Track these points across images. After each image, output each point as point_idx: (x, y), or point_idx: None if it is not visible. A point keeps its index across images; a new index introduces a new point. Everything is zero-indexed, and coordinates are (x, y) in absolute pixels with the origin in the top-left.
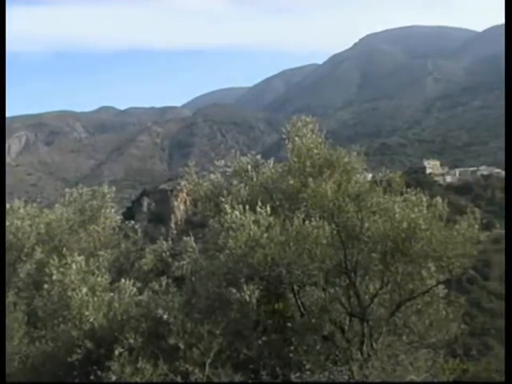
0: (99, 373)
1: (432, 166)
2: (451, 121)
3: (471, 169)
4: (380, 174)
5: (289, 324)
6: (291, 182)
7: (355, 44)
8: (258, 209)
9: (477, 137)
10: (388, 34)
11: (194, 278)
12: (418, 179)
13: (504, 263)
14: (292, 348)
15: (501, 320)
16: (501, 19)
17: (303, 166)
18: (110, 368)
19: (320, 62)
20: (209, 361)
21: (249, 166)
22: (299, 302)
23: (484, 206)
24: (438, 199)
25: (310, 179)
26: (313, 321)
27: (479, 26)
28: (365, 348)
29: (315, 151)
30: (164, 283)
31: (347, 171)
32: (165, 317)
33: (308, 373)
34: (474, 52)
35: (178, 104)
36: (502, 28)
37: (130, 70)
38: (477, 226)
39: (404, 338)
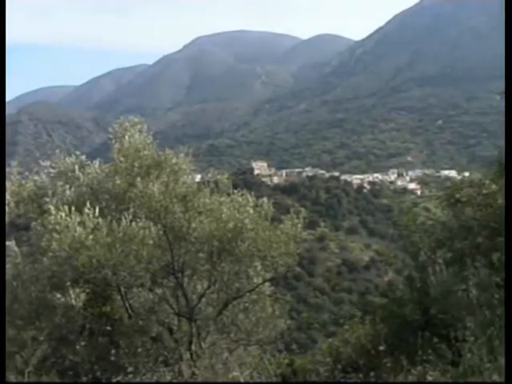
0: None
1: (259, 167)
2: (278, 123)
3: (297, 170)
4: (209, 175)
5: (116, 326)
6: (118, 182)
7: (185, 46)
8: (86, 210)
9: (302, 139)
10: (218, 38)
11: (15, 284)
12: (246, 180)
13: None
14: (121, 351)
15: (325, 314)
16: (324, 28)
17: (130, 166)
18: None
19: (150, 62)
20: (29, 369)
21: (76, 167)
22: (127, 304)
23: (309, 205)
24: (264, 200)
25: (137, 180)
26: (140, 322)
27: (304, 34)
28: (193, 347)
29: (143, 152)
30: None
31: (175, 172)
32: None
33: (131, 375)
34: (299, 58)
35: None
36: (324, 37)
37: None
38: (300, 225)
39: (232, 335)
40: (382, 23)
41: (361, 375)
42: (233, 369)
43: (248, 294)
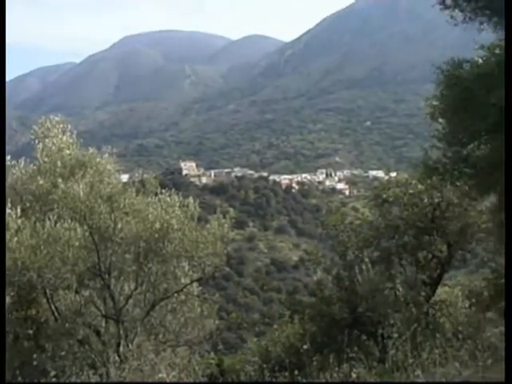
0: None
1: (188, 167)
2: (207, 123)
3: (226, 170)
4: (136, 175)
5: (42, 330)
6: (41, 182)
7: (113, 45)
8: (8, 211)
9: (231, 139)
10: (146, 37)
11: None
12: (174, 180)
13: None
14: (46, 354)
15: (255, 314)
16: (254, 29)
17: (54, 166)
18: None
19: (78, 61)
20: None
21: None
22: (53, 307)
23: (238, 206)
24: (191, 200)
25: (61, 180)
26: (67, 325)
27: (234, 35)
28: (121, 349)
29: (66, 152)
30: None
31: (100, 172)
32: None
33: (54, 379)
34: (229, 58)
35: None
36: (254, 38)
37: None
38: (227, 226)
39: (160, 336)
40: (311, 25)
41: (289, 374)
42: (160, 370)
43: (176, 294)
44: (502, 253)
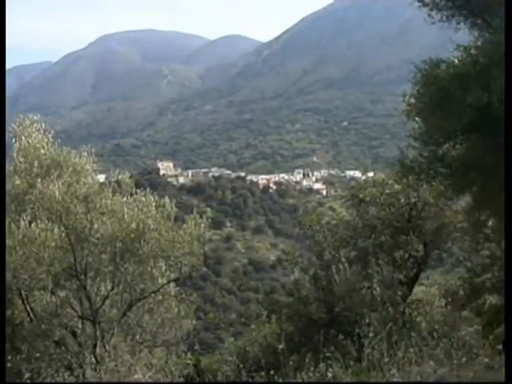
0: None
1: (165, 167)
2: (185, 123)
3: (203, 170)
4: (113, 175)
5: (18, 331)
6: (17, 182)
7: (90, 44)
8: None
9: (208, 139)
10: (123, 36)
11: None
12: (151, 180)
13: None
14: (20, 356)
15: (233, 314)
16: (232, 29)
17: (30, 166)
18: None
19: (54, 60)
20: None
21: None
22: (28, 308)
23: (215, 205)
24: (167, 200)
25: (38, 180)
26: (43, 326)
27: (212, 35)
28: (98, 350)
29: (42, 151)
30: None
31: (77, 172)
32: None
33: (28, 381)
34: (207, 58)
35: None
36: (232, 38)
37: None
38: (203, 225)
39: (137, 337)
40: (289, 25)
41: (266, 374)
42: (137, 371)
43: (153, 294)
44: (477, 252)
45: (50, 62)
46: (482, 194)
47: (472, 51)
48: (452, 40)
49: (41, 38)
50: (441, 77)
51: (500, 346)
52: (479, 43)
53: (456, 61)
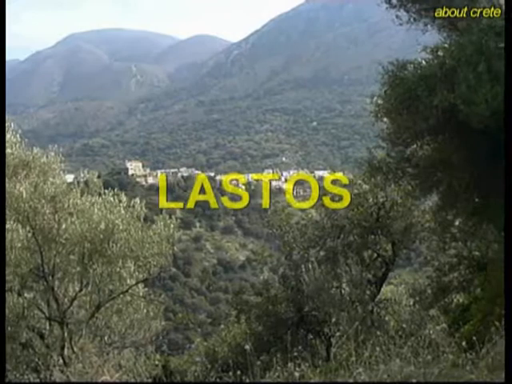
0: None
1: (134, 167)
2: (154, 123)
3: (172, 170)
4: (81, 175)
5: None
6: None
7: (58, 42)
8: None
9: (177, 139)
10: (92, 35)
11: None
12: (120, 180)
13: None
14: None
15: (202, 314)
16: (202, 29)
17: None
18: None
19: (21, 58)
20: None
21: None
22: None
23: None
24: (137, 200)
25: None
26: (9, 328)
27: (182, 34)
28: (66, 352)
29: (9, 151)
30: None
31: (44, 172)
32: None
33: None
34: (176, 58)
35: None
36: (201, 37)
37: None
38: (173, 226)
39: (106, 338)
40: (258, 26)
41: (233, 374)
42: (105, 372)
43: (121, 295)
44: (445, 251)
45: (17, 60)
46: (448, 193)
47: (439, 53)
48: (419, 41)
49: (8, 36)
50: (407, 78)
51: (464, 344)
52: (446, 45)
53: (423, 62)
